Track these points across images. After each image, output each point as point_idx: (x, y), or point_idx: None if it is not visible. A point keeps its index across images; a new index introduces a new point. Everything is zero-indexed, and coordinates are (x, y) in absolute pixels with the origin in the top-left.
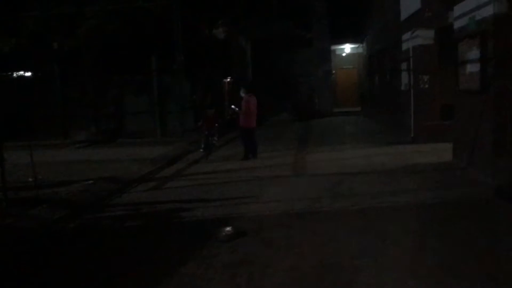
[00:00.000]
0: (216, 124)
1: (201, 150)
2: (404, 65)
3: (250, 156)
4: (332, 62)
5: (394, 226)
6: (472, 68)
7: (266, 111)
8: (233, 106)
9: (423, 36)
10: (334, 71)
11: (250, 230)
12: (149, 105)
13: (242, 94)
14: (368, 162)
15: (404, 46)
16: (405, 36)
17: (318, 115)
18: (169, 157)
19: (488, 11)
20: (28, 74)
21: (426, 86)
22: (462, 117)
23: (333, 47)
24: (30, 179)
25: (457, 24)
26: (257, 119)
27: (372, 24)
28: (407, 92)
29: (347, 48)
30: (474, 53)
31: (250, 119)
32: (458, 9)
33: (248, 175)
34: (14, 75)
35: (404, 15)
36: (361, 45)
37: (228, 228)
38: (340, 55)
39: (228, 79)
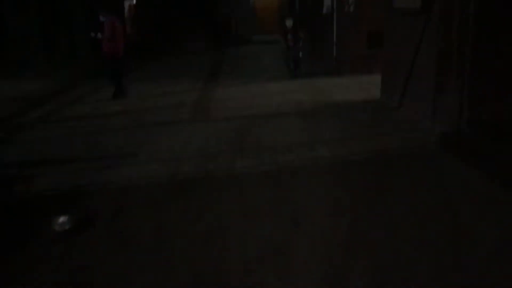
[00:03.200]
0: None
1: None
2: None
3: (116, 92)
4: None
5: (314, 198)
6: None
7: (179, 38)
8: (93, 33)
9: None
10: None
11: (104, 213)
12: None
13: (103, 18)
14: (284, 100)
15: None
16: None
17: (236, 42)
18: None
19: None
20: None
21: (351, 9)
22: (395, 44)
23: None
24: None
25: None
26: (124, 47)
27: None
28: (330, 17)
29: None
30: None
31: (115, 47)
32: None
33: (132, 120)
34: None
35: None
36: None
37: (63, 219)
38: None
39: (133, 2)
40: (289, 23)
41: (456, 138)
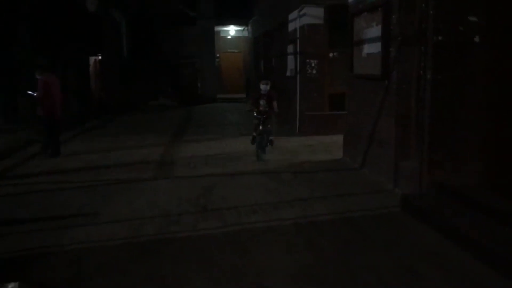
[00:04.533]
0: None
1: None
2: (290, 48)
3: (49, 152)
4: (217, 44)
5: (279, 262)
6: (371, 49)
7: (144, 94)
8: (29, 92)
9: (311, 15)
10: (218, 55)
11: (60, 280)
12: None
13: (38, 76)
14: (249, 159)
15: (291, 27)
16: (292, 15)
17: (201, 100)
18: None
19: None
20: None
21: (314, 71)
22: (356, 108)
23: (218, 29)
24: None
25: None
26: (61, 108)
27: (258, 4)
28: (294, 79)
29: (232, 30)
30: (374, 31)
31: (50, 106)
32: None
33: (94, 177)
34: None
35: None
36: (246, 27)
37: (13, 286)
38: (225, 38)
39: (99, 57)
40: (264, 87)
41: (417, 201)
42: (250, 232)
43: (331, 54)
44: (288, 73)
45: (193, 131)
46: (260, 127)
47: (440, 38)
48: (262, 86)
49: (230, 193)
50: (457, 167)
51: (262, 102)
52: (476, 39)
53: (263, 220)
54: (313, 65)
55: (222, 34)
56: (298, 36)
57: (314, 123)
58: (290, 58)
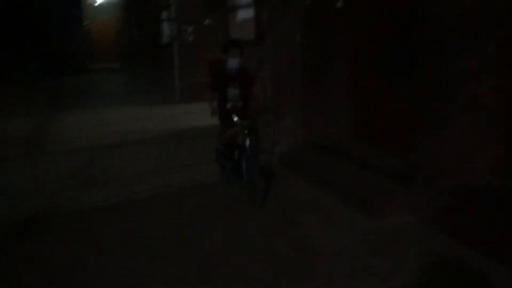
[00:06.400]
0: None
1: None
2: (165, 14)
3: None
4: (84, 10)
5: (167, 227)
6: (245, 14)
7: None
8: None
9: None
10: (87, 22)
11: None
12: None
13: None
14: (129, 128)
15: None
16: None
17: (71, 72)
18: None
19: None
20: None
21: (191, 38)
22: None
23: None
24: None
25: None
26: None
27: None
28: (171, 45)
29: None
30: None
31: None
32: None
33: None
34: None
35: None
36: None
37: None
38: (92, 4)
39: None
40: (234, 62)
41: (292, 157)
42: (132, 203)
43: (207, 20)
44: (164, 40)
45: (63, 104)
46: (247, 141)
47: (307, 2)
48: (231, 61)
49: (112, 165)
50: (329, 124)
51: (231, 91)
52: (339, 3)
53: (148, 189)
54: (189, 31)
55: (89, 0)
56: (171, 1)
57: (194, 90)
58: (166, 25)
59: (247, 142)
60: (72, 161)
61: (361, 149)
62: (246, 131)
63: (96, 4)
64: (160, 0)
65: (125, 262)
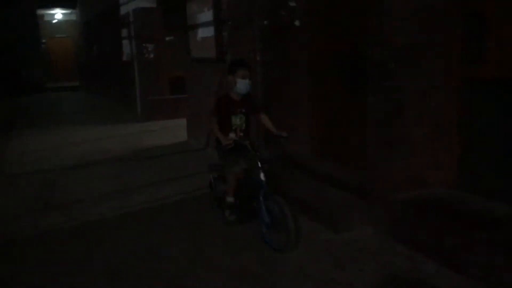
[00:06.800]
0: None
1: None
2: (125, 32)
3: None
4: (42, 29)
5: (130, 249)
6: (205, 32)
7: None
8: None
9: None
10: (44, 40)
11: None
12: None
13: None
14: (90, 148)
15: (123, 10)
16: None
17: (27, 91)
18: None
19: None
20: None
21: (152, 55)
22: (197, 91)
23: (42, 12)
24: None
25: None
26: None
27: None
28: (131, 63)
29: (58, 14)
30: (207, 15)
31: None
32: None
33: None
34: None
35: None
36: (73, 10)
37: None
38: (50, 22)
39: None
40: (245, 84)
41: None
42: (98, 222)
43: (167, 38)
44: (124, 58)
45: (20, 125)
46: (261, 175)
47: (265, 22)
48: (240, 82)
49: (74, 186)
50: (292, 140)
51: (236, 118)
52: (297, 22)
53: (110, 210)
54: (149, 49)
55: (46, 18)
56: (131, 19)
57: (156, 108)
58: (126, 43)
59: (262, 177)
60: (31, 184)
61: (323, 165)
62: (260, 165)
63: (54, 22)
64: (121, 18)
65: (87, 285)
